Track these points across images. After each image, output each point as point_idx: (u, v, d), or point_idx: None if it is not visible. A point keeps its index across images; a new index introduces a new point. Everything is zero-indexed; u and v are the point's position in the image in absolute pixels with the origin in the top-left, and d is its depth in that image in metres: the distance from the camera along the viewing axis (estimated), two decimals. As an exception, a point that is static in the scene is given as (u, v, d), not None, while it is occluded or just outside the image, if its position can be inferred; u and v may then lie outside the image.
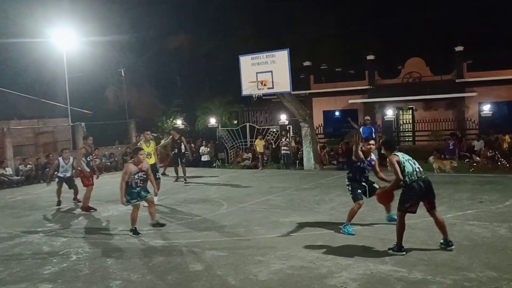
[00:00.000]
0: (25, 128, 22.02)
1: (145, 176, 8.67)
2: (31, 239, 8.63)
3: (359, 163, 7.83)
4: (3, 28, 25.63)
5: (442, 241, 6.70)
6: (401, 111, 24.53)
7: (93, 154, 12.43)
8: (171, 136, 15.89)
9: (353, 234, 7.64)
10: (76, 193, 12.09)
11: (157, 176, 11.29)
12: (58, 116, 24.27)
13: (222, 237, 8.05)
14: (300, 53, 25.31)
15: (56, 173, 11.87)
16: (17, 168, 17.59)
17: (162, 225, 8.88)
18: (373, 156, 8.03)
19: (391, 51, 28.68)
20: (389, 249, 6.61)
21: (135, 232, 8.45)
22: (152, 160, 11.27)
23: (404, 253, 6.47)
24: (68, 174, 11.79)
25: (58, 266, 6.88)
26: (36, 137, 23.01)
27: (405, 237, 6.73)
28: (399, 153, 6.79)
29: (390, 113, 22.55)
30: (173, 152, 15.56)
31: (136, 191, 8.55)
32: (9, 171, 17.15)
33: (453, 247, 6.59)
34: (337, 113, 27.00)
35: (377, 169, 8.04)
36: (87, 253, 7.48)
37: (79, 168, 11.20)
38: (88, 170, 11.19)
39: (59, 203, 11.79)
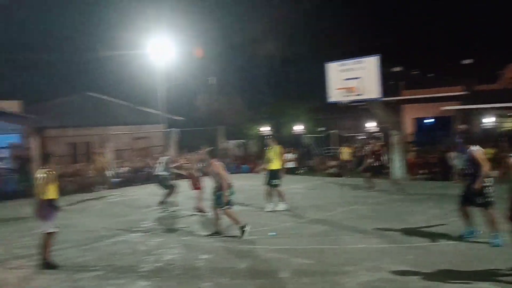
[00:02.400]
0: (124, 134, 23.58)
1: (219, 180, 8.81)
2: (129, 238, 9.22)
3: None
4: (108, 42, 27.78)
5: None
6: (500, 118, 22.91)
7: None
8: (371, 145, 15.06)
9: (500, 246, 7.11)
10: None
11: (274, 183, 11.39)
12: (153, 123, 25.69)
13: (309, 245, 8.02)
14: (390, 58, 24.60)
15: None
16: (116, 171, 18.87)
17: (219, 233, 9.00)
18: None
19: (490, 55, 26.95)
20: None
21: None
22: (274, 166, 11.42)
23: None
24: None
25: (153, 264, 7.28)
26: (133, 142, 24.55)
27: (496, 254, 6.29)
28: None
29: (488, 120, 21.12)
30: (373, 164, 14.57)
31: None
32: (109, 173, 18.45)
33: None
34: (429, 121, 25.85)
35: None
36: (180, 254, 7.83)
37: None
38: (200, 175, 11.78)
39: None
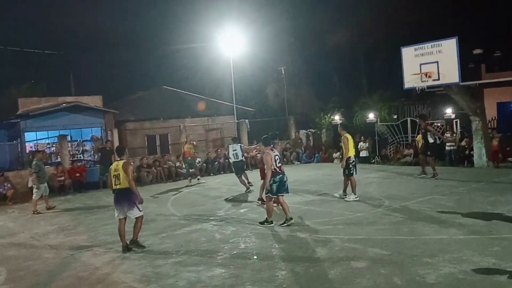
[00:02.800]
0: (197, 126, 24.25)
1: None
2: (205, 227, 9.49)
3: None
4: (181, 36, 28.66)
5: None
6: None
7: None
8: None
9: None
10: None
11: (346, 172, 11.21)
12: (224, 114, 26.18)
13: (385, 235, 7.82)
14: (469, 40, 23.23)
15: None
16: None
17: (289, 221, 9.05)
18: None
19: None
20: None
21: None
22: (346, 155, 11.17)
23: None
24: None
25: (229, 253, 7.45)
26: (206, 133, 25.19)
27: None
28: None
29: None
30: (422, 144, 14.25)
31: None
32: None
33: None
34: (514, 105, 24.16)
35: None
36: (254, 243, 7.95)
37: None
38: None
39: None
